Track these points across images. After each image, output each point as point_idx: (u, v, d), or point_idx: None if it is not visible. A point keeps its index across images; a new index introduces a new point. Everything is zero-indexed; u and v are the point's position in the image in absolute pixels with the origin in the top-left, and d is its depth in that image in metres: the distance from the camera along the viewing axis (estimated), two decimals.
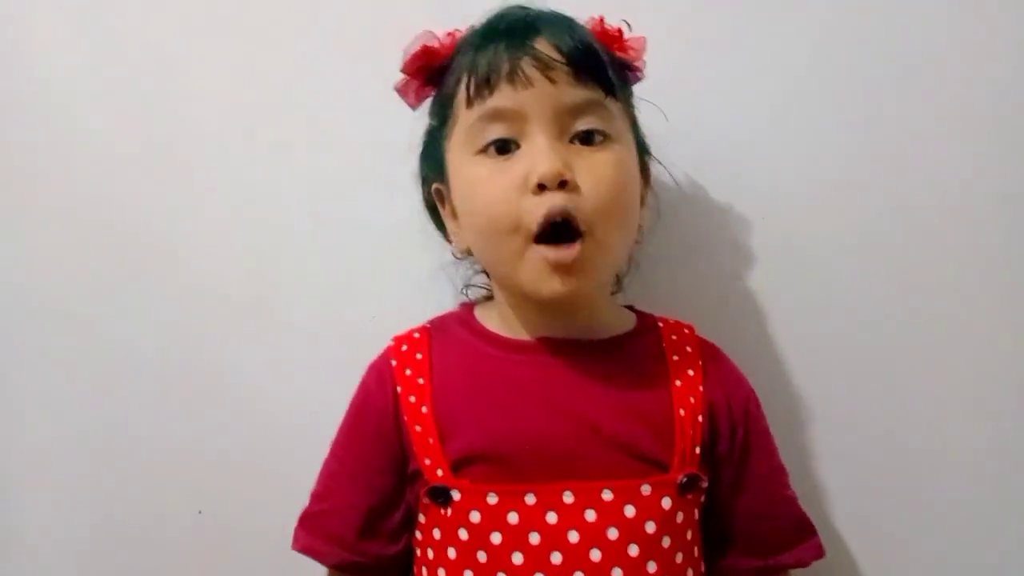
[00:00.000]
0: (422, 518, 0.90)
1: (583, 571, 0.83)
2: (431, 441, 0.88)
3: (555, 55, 0.86)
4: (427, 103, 0.98)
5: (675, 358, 0.94)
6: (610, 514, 0.84)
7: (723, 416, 0.93)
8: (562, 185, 0.84)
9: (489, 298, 1.00)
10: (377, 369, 0.97)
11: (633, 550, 0.84)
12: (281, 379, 1.14)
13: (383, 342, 0.98)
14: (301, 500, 0.96)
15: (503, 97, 0.86)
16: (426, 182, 1.00)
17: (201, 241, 1.16)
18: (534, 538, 0.84)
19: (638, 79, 0.97)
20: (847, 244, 1.10)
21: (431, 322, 0.99)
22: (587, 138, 0.88)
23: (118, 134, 1.16)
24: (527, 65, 0.86)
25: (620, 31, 0.95)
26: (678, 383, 0.92)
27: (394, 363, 0.95)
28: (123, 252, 1.16)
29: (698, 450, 0.89)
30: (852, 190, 1.10)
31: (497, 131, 0.87)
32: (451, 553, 0.86)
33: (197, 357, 1.16)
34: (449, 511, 0.86)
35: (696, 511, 0.90)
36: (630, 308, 1.01)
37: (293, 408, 1.14)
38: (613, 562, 0.83)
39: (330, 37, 1.13)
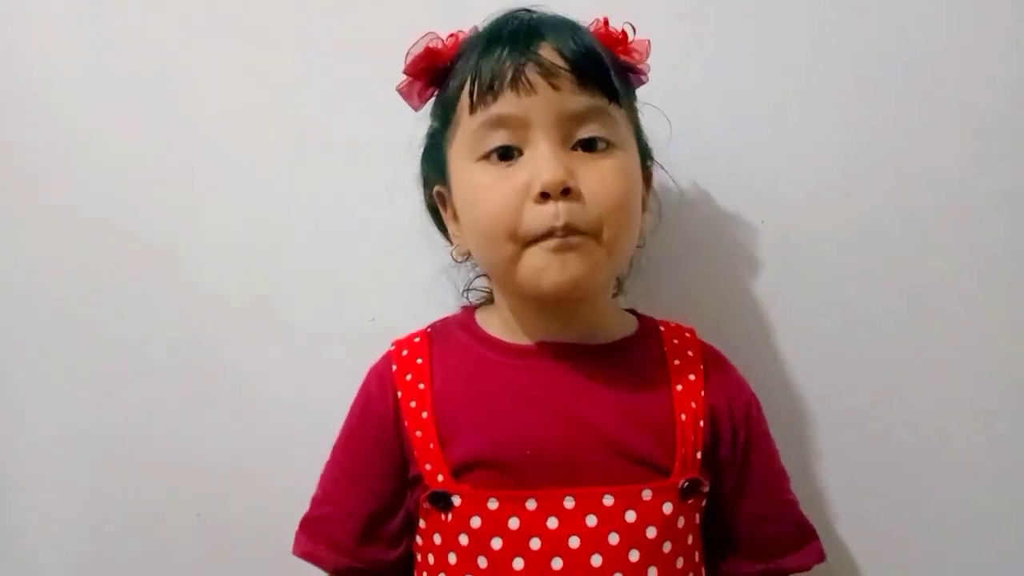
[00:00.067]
0: (423, 523, 0.90)
1: None
2: (432, 446, 0.88)
3: (559, 61, 0.86)
4: (429, 104, 0.98)
5: (676, 362, 0.94)
6: (611, 519, 0.84)
7: (724, 420, 0.93)
8: (565, 193, 0.84)
9: (490, 302, 1.00)
10: (377, 374, 0.97)
11: (634, 555, 0.84)
12: (281, 381, 1.14)
13: (384, 344, 0.98)
14: (300, 503, 0.96)
15: (507, 104, 0.86)
16: (427, 184, 1.00)
17: (202, 242, 1.16)
18: (535, 544, 0.84)
19: (642, 82, 0.97)
20: (847, 246, 1.10)
21: (432, 326, 0.99)
22: (590, 145, 0.87)
23: (119, 134, 1.16)
24: (531, 72, 0.85)
25: (624, 34, 0.94)
26: (679, 387, 0.92)
27: (395, 368, 0.94)
28: (123, 253, 1.16)
29: (699, 455, 0.89)
30: (852, 192, 1.10)
31: (500, 138, 0.87)
32: (452, 558, 0.86)
33: (197, 358, 1.16)
34: (450, 516, 0.86)
35: (697, 516, 0.90)
36: (631, 311, 1.01)
37: (293, 410, 1.14)
38: (614, 567, 0.84)
39: (331, 38, 1.13)
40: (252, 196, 1.15)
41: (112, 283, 1.16)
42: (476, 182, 0.88)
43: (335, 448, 0.97)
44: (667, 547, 0.86)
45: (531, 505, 0.85)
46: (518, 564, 0.84)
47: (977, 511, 1.10)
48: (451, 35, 0.94)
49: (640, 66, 0.95)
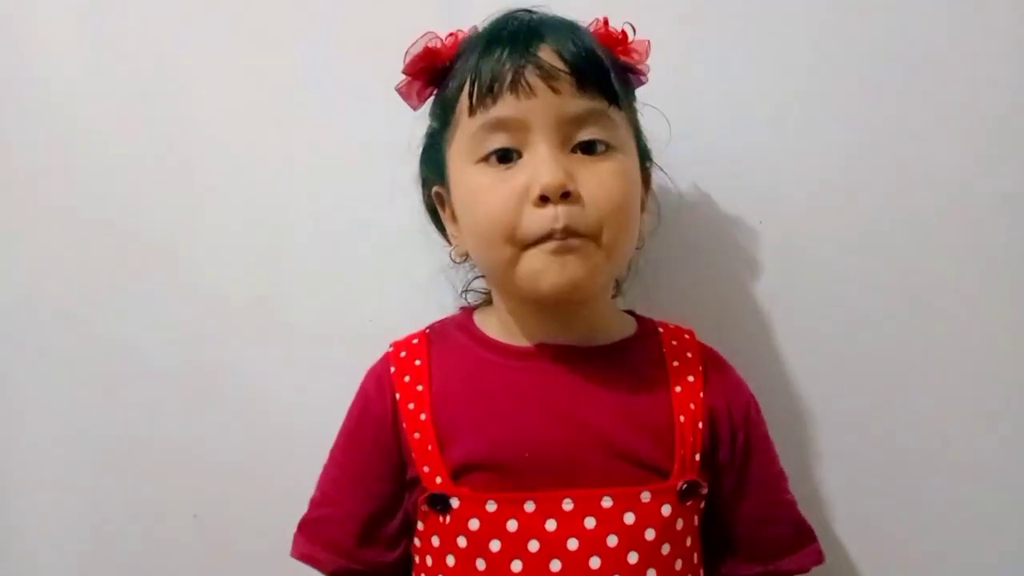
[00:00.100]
0: (421, 525, 0.90)
1: None
2: (430, 448, 0.88)
3: (558, 64, 0.86)
4: (428, 103, 0.97)
5: (675, 364, 0.94)
6: (610, 521, 0.84)
7: (723, 422, 0.93)
8: (564, 196, 0.84)
9: (489, 303, 1.00)
10: (376, 375, 0.96)
11: (633, 557, 0.84)
12: (281, 381, 1.14)
13: (383, 345, 0.98)
14: (299, 504, 0.96)
15: (506, 107, 0.86)
16: (426, 184, 0.99)
17: (201, 242, 1.16)
18: (533, 546, 0.84)
19: (641, 83, 0.97)
20: (848, 247, 1.10)
21: (430, 327, 0.99)
22: (589, 148, 0.87)
23: (119, 134, 1.16)
24: (530, 74, 0.85)
25: (624, 34, 0.94)
26: (678, 389, 0.92)
27: (393, 369, 0.94)
28: (123, 252, 1.16)
29: (698, 457, 0.89)
30: (853, 193, 1.09)
31: (499, 140, 0.86)
32: (450, 560, 0.86)
33: (196, 358, 1.16)
34: (448, 519, 0.86)
35: (696, 518, 0.90)
36: (630, 313, 1.01)
37: (292, 411, 1.14)
38: (613, 569, 0.84)
39: (331, 38, 1.13)
40: (252, 196, 1.15)
41: (112, 283, 1.16)
42: (475, 184, 0.88)
43: (333, 450, 0.97)
44: (666, 549, 0.85)
45: (530, 507, 0.85)
46: (516, 566, 0.84)
47: (979, 512, 1.10)
48: (450, 34, 0.94)
49: (640, 67, 0.95)
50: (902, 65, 1.09)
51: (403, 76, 0.95)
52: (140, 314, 1.16)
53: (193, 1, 1.15)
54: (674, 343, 0.96)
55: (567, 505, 0.84)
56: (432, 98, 0.97)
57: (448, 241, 0.99)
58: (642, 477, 0.87)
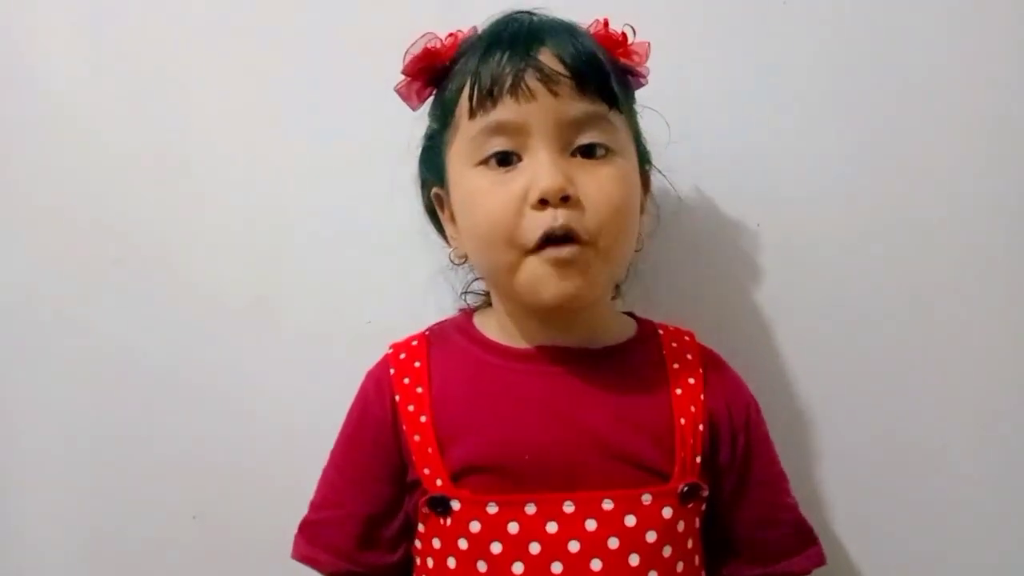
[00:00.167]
0: (421, 527, 0.90)
1: None
2: (430, 451, 0.88)
3: (559, 67, 0.85)
4: (427, 103, 0.97)
5: (675, 366, 0.94)
6: (611, 524, 0.84)
7: (724, 424, 0.93)
8: (564, 200, 0.84)
9: (488, 304, 1.00)
10: (375, 377, 0.96)
11: (634, 559, 0.84)
12: (280, 381, 1.14)
13: (382, 346, 0.98)
14: (297, 505, 0.96)
15: (506, 110, 0.85)
16: (425, 186, 0.99)
17: (201, 242, 1.15)
18: (534, 548, 0.84)
19: (641, 85, 0.96)
20: (848, 248, 1.10)
21: (430, 329, 0.99)
22: (589, 152, 0.87)
23: (118, 134, 1.15)
24: (530, 78, 0.85)
25: (624, 36, 0.93)
26: (678, 391, 0.92)
27: (392, 371, 0.94)
28: (123, 252, 1.16)
29: (699, 459, 0.89)
30: (853, 195, 1.10)
31: (499, 144, 0.86)
32: (451, 563, 0.86)
33: (196, 359, 1.16)
34: (448, 521, 0.86)
35: (697, 520, 0.90)
36: (630, 315, 1.01)
37: (291, 411, 1.14)
38: (614, 572, 0.83)
39: (331, 38, 1.13)
40: (252, 196, 1.15)
41: (112, 283, 1.16)
42: (474, 187, 0.88)
43: (333, 452, 0.97)
44: (667, 551, 0.85)
45: (530, 509, 0.84)
46: (518, 568, 0.84)
47: (978, 513, 1.11)
48: (450, 35, 0.94)
49: (640, 68, 0.94)
50: (902, 65, 1.09)
51: (402, 76, 0.95)
52: (140, 314, 1.16)
53: (193, 1, 1.14)
54: (674, 345, 0.96)
55: (568, 507, 0.84)
56: (431, 99, 0.96)
57: (447, 242, 0.99)
58: (643, 479, 0.87)
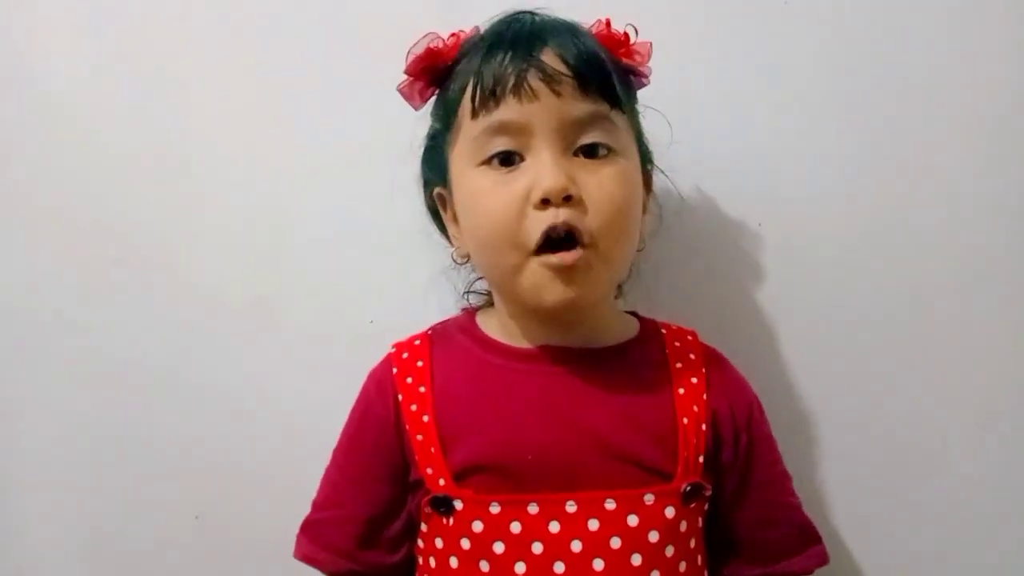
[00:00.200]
0: (424, 527, 0.90)
1: None
2: (433, 451, 0.88)
3: (561, 67, 0.85)
4: (429, 103, 0.97)
5: (678, 365, 0.94)
6: (613, 523, 0.84)
7: (726, 424, 0.93)
8: (566, 200, 0.84)
9: (490, 304, 1.00)
10: (378, 377, 0.96)
11: (636, 559, 0.84)
12: (281, 382, 1.14)
13: (384, 346, 0.98)
14: (299, 505, 0.96)
15: (508, 110, 0.85)
16: (428, 185, 0.99)
17: (201, 242, 1.15)
18: (537, 547, 0.84)
19: (643, 84, 0.97)
20: (848, 248, 1.10)
21: (432, 329, 0.99)
22: (591, 151, 0.87)
23: (118, 135, 1.15)
24: (533, 78, 0.85)
25: (626, 35, 0.93)
26: (681, 391, 0.92)
27: (395, 371, 0.94)
28: (123, 253, 1.15)
29: (701, 459, 0.89)
30: (854, 195, 1.10)
31: (501, 144, 0.86)
32: (453, 563, 0.86)
33: (196, 359, 1.15)
34: (451, 521, 0.86)
35: (700, 520, 0.90)
36: (633, 314, 1.01)
37: (292, 411, 1.14)
38: (616, 571, 0.84)
39: (332, 38, 1.13)
40: (252, 196, 1.15)
41: (112, 283, 1.16)
42: (477, 187, 0.88)
43: (335, 451, 0.97)
44: (669, 551, 0.85)
45: (533, 509, 0.84)
46: (520, 568, 0.84)
47: (979, 513, 1.11)
48: (452, 35, 0.93)
49: (642, 68, 0.94)
50: (902, 65, 1.09)
51: (405, 76, 0.95)
52: (140, 314, 1.16)
53: (193, 1, 1.14)
54: (677, 344, 0.96)
55: (570, 507, 0.84)
56: (434, 98, 0.96)
57: (450, 242, 0.99)
58: (645, 479, 0.87)
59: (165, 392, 1.15)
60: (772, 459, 0.97)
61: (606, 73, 0.87)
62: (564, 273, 0.85)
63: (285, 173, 1.14)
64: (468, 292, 1.05)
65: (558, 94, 0.85)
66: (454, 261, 1.00)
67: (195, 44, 1.14)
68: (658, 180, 1.02)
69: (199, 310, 1.15)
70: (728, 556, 0.95)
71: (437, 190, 0.97)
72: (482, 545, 0.85)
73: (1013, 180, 1.09)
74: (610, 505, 0.85)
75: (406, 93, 0.96)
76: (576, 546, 0.84)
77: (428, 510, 0.88)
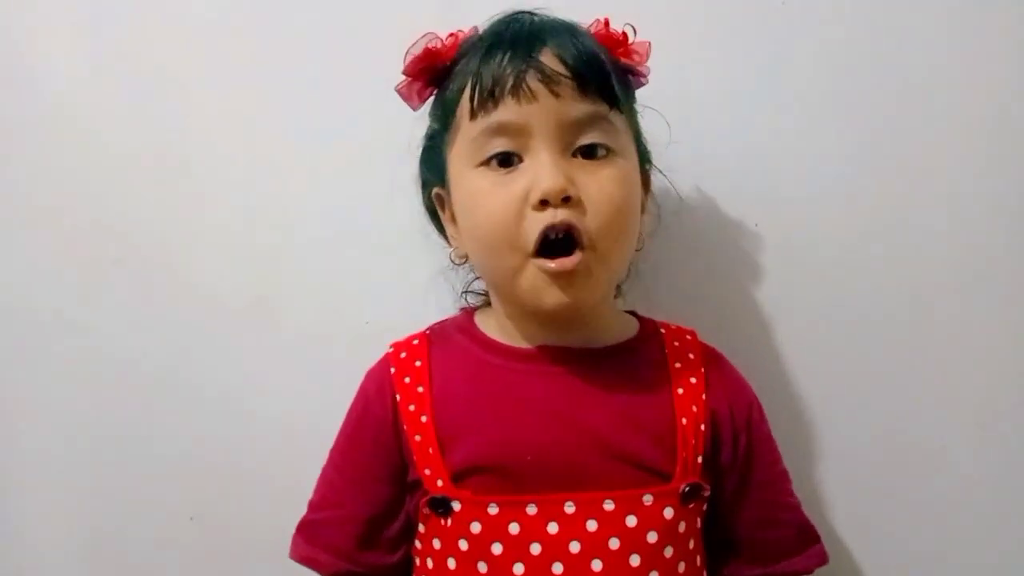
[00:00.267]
0: (422, 528, 0.90)
1: None
2: (431, 451, 0.88)
3: (560, 68, 0.85)
4: (428, 102, 0.97)
5: (677, 365, 0.94)
6: (611, 524, 0.84)
7: (726, 424, 0.93)
8: (565, 201, 0.84)
9: (489, 304, 1.00)
10: (376, 377, 0.96)
11: (635, 560, 0.84)
12: (280, 382, 1.14)
13: (383, 346, 0.98)
14: (296, 505, 0.96)
15: (507, 111, 0.85)
16: (426, 186, 0.99)
17: (201, 242, 1.15)
18: (535, 548, 0.84)
19: (642, 84, 0.96)
20: (847, 247, 1.10)
21: (430, 328, 0.99)
22: (590, 152, 0.87)
23: (118, 134, 1.15)
24: (532, 79, 0.85)
25: (625, 35, 0.93)
26: (680, 391, 0.92)
27: (393, 370, 0.94)
28: (123, 253, 1.15)
29: (700, 459, 0.89)
30: (853, 195, 1.10)
31: (500, 144, 0.86)
32: (451, 563, 0.86)
33: (196, 359, 1.16)
34: (449, 521, 0.86)
35: (698, 520, 0.90)
36: (632, 314, 1.01)
37: (291, 412, 1.14)
38: (615, 572, 0.83)
39: (331, 38, 1.12)
40: (252, 196, 1.15)
41: (112, 283, 1.16)
42: (475, 188, 0.88)
43: (332, 451, 0.96)
44: (668, 552, 0.85)
45: (531, 510, 0.84)
46: (518, 569, 0.84)
47: (978, 512, 1.11)
48: (451, 35, 0.93)
49: (640, 68, 0.94)
50: (902, 65, 1.09)
51: (403, 76, 0.95)
52: (140, 314, 1.16)
53: (193, 1, 1.14)
54: (676, 344, 0.96)
55: (569, 508, 0.84)
56: (432, 98, 0.96)
57: (448, 243, 0.99)
58: (644, 480, 0.87)
59: (165, 392, 1.16)
60: (772, 459, 0.97)
61: (605, 74, 0.87)
62: (563, 278, 0.85)
63: (285, 173, 1.14)
64: (466, 292, 1.05)
65: (557, 95, 0.85)
66: (452, 262, 1.00)
67: (195, 44, 1.14)
68: (657, 180, 1.02)
69: (199, 310, 1.15)
70: (728, 556, 0.95)
71: (435, 190, 0.97)
72: (480, 546, 0.85)
73: (1013, 180, 1.09)
74: (609, 506, 0.84)
75: (404, 93, 0.96)
76: (575, 547, 0.84)
77: (426, 511, 0.88)
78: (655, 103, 0.98)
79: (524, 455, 0.86)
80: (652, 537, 0.85)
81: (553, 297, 0.86)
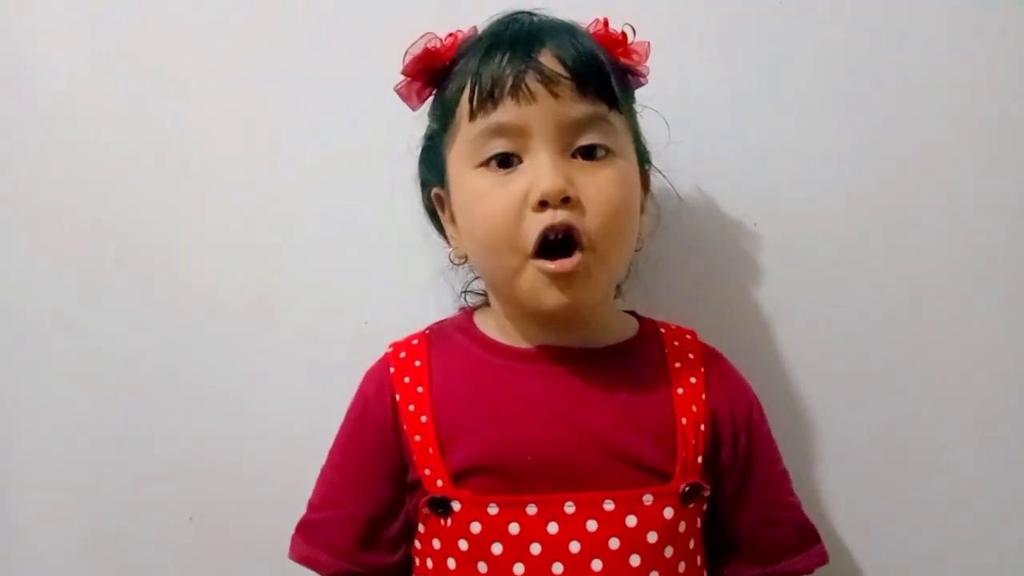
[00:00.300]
0: (421, 528, 0.90)
1: None
2: (431, 451, 0.88)
3: (559, 69, 0.85)
4: (427, 102, 0.97)
5: (677, 365, 0.94)
6: (611, 524, 0.84)
7: (726, 424, 0.93)
8: (564, 202, 0.84)
9: (487, 304, 1.00)
10: (375, 376, 0.96)
11: (635, 560, 0.84)
12: (279, 382, 1.14)
13: (382, 346, 0.98)
14: (295, 506, 0.96)
15: (506, 112, 0.85)
16: (426, 186, 0.99)
17: (201, 242, 1.15)
18: (535, 548, 0.84)
19: (641, 84, 0.96)
20: (847, 247, 1.10)
21: (430, 328, 0.99)
22: (589, 153, 0.87)
23: (118, 135, 1.15)
24: (531, 80, 0.85)
25: (624, 35, 0.93)
26: (680, 391, 0.92)
27: (392, 370, 0.94)
28: (122, 253, 1.15)
29: (700, 459, 0.89)
30: (853, 195, 1.10)
31: (499, 145, 0.86)
32: (451, 563, 0.86)
33: (195, 359, 1.16)
34: (449, 521, 0.86)
35: (698, 520, 0.90)
36: (631, 313, 1.01)
37: (290, 412, 1.14)
38: (615, 572, 0.83)
39: (331, 38, 1.12)
40: (252, 196, 1.15)
41: (111, 283, 1.16)
42: (475, 189, 0.88)
43: (332, 452, 0.96)
44: (668, 552, 0.85)
45: (531, 510, 0.84)
46: (518, 569, 0.84)
47: (978, 512, 1.11)
48: (450, 35, 0.93)
49: (640, 68, 0.94)
50: (902, 65, 1.09)
51: (402, 76, 0.95)
52: (140, 314, 1.16)
53: (193, 1, 1.14)
54: (676, 344, 0.96)
55: (569, 508, 0.84)
56: (432, 98, 0.96)
57: (448, 242, 0.99)
58: (644, 480, 0.87)
59: (164, 392, 1.15)
60: (772, 459, 0.97)
61: (604, 74, 0.87)
62: (562, 279, 0.85)
63: (285, 173, 1.14)
64: (466, 292, 1.05)
65: (556, 96, 0.85)
66: (451, 262, 1.00)
67: (195, 44, 1.14)
68: (657, 180, 1.02)
69: (199, 310, 1.15)
70: (728, 556, 0.95)
71: (435, 190, 0.97)
72: (480, 546, 0.85)
73: (1013, 180, 1.09)
74: (609, 506, 0.84)
75: (404, 93, 0.96)
76: (575, 547, 0.84)
77: (426, 511, 0.88)
78: (655, 103, 0.98)
79: (524, 455, 0.86)
80: (652, 537, 0.85)
81: (552, 298, 0.86)
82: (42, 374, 1.17)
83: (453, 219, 0.95)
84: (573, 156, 0.86)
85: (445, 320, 1.01)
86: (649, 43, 0.94)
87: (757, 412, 0.96)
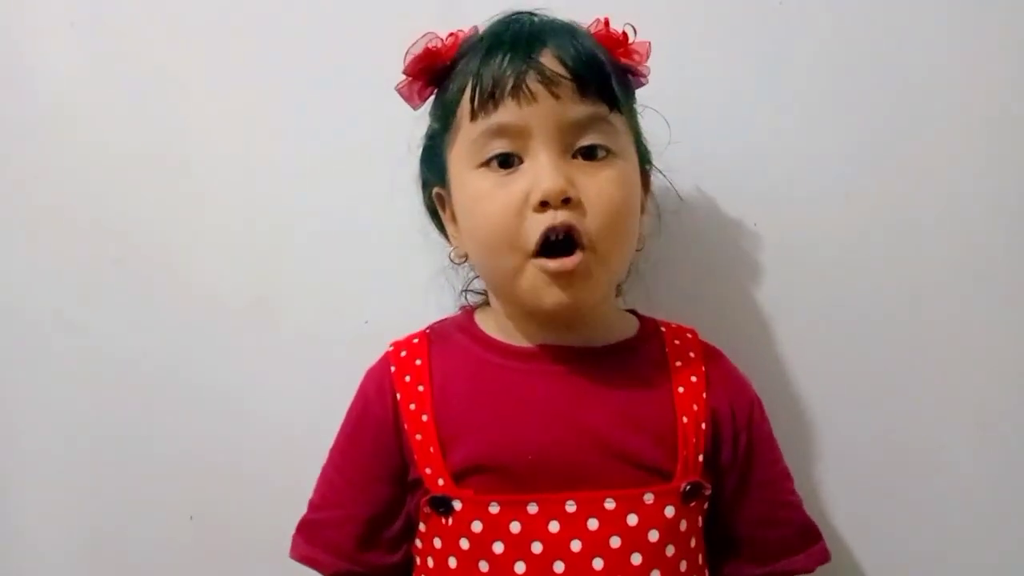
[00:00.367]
0: (422, 527, 0.90)
1: None
2: (432, 450, 0.88)
3: (560, 70, 0.85)
4: (428, 102, 0.97)
5: (678, 364, 0.94)
6: (613, 523, 0.84)
7: (726, 423, 0.93)
8: (565, 202, 0.84)
9: (487, 303, 1.00)
10: (376, 376, 0.96)
11: (636, 559, 0.84)
12: (279, 382, 1.14)
13: (382, 345, 0.98)
14: (296, 505, 0.96)
15: (507, 113, 0.85)
16: (426, 186, 0.99)
17: (200, 242, 1.15)
18: (536, 547, 0.84)
19: (642, 84, 0.96)
20: (847, 247, 1.10)
21: (430, 328, 0.99)
22: (590, 153, 0.87)
23: (118, 135, 1.15)
24: (532, 80, 0.85)
25: (625, 35, 0.93)
26: (681, 390, 0.92)
27: (393, 369, 0.94)
28: (122, 253, 1.16)
29: (701, 458, 0.89)
30: (852, 194, 1.10)
31: (500, 146, 0.86)
32: (452, 562, 0.86)
33: (195, 359, 1.16)
34: (450, 521, 0.86)
35: (700, 519, 0.90)
36: (632, 312, 1.01)
37: (290, 412, 1.14)
38: (616, 571, 0.83)
39: (331, 38, 1.12)
40: (252, 196, 1.15)
41: (111, 283, 1.16)
42: (475, 189, 0.88)
43: (332, 451, 0.96)
44: (670, 550, 0.85)
45: (532, 509, 0.84)
46: (519, 568, 0.84)
47: (978, 512, 1.11)
48: (450, 35, 0.93)
49: (640, 68, 0.94)
50: (902, 65, 1.09)
51: (403, 76, 0.95)
52: (138, 314, 1.16)
53: (192, 1, 1.14)
54: (676, 343, 0.96)
55: (570, 507, 0.84)
56: (432, 98, 0.96)
57: (448, 242, 0.99)
58: (645, 479, 0.87)
59: (164, 392, 1.15)
60: (772, 458, 0.97)
61: (605, 75, 0.87)
62: (563, 278, 0.85)
63: (285, 173, 1.14)
64: (466, 291, 1.05)
65: (557, 96, 0.85)
66: (452, 261, 1.00)
67: (195, 44, 1.14)
68: (657, 180, 1.02)
69: (199, 310, 1.15)
70: (729, 555, 0.95)
71: (436, 190, 0.97)
72: (481, 545, 0.85)
73: (1013, 180, 1.09)
74: (610, 505, 0.84)
75: (404, 93, 0.96)
76: (576, 546, 0.83)
77: (427, 510, 0.88)
78: (655, 103, 0.98)
79: (525, 454, 0.86)
80: (653, 536, 0.85)
81: (553, 297, 0.86)
82: (42, 374, 1.17)
83: (454, 218, 0.95)
84: (574, 157, 0.87)
85: (446, 319, 1.01)
86: (650, 43, 0.94)
87: (758, 411, 0.96)
